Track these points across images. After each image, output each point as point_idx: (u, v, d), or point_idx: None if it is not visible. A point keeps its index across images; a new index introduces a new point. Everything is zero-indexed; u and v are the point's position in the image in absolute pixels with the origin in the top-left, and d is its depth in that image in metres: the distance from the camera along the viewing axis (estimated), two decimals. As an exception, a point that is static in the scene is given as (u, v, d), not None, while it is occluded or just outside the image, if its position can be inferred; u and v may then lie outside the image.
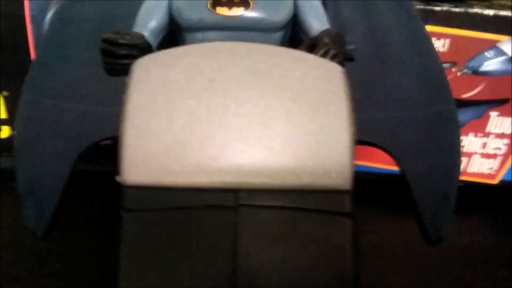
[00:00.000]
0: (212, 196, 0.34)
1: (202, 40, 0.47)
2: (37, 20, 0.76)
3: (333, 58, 0.41)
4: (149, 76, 0.37)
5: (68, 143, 0.50)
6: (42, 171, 0.50)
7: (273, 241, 0.34)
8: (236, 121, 0.35)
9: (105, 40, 0.41)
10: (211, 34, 0.47)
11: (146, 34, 0.46)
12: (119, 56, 0.40)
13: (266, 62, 0.37)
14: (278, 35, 0.49)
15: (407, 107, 0.54)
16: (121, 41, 0.40)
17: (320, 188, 0.35)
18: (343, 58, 0.44)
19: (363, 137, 0.51)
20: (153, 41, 0.47)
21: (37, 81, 0.52)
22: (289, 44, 0.50)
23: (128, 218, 0.35)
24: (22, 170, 0.50)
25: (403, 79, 0.54)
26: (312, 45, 0.43)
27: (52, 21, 0.54)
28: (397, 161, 0.52)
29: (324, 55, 0.41)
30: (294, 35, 0.51)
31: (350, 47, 0.50)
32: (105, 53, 0.41)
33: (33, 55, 0.78)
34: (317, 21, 0.49)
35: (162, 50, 0.39)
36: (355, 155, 0.37)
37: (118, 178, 0.36)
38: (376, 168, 0.82)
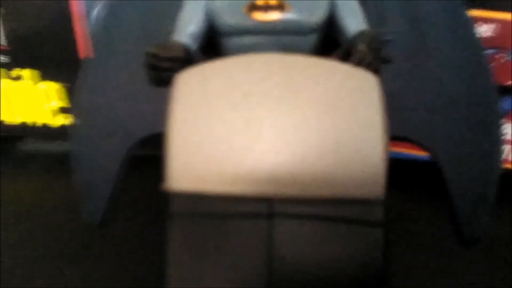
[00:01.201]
0: (248, 205, 0.37)
1: (238, 45, 0.48)
2: (85, 16, 0.80)
3: (368, 66, 0.41)
4: (190, 90, 0.39)
5: (118, 139, 0.54)
6: (96, 166, 0.55)
7: (306, 248, 0.36)
8: (271, 133, 0.37)
9: (149, 54, 0.43)
10: (246, 38, 0.48)
11: (186, 39, 0.48)
12: (163, 69, 0.42)
13: (300, 74, 0.38)
14: (314, 36, 0.49)
15: (446, 102, 0.53)
16: (163, 55, 0.42)
17: (352, 199, 0.37)
18: (380, 63, 0.44)
19: (400, 132, 0.52)
20: (193, 45, 0.48)
21: (89, 79, 0.56)
22: (325, 45, 0.50)
23: (172, 223, 0.38)
24: (78, 167, 0.55)
25: (443, 72, 0.53)
26: (347, 53, 0.43)
27: (102, 18, 0.57)
28: (434, 157, 0.51)
29: (359, 64, 0.41)
30: (330, 35, 0.51)
31: (388, 37, 0.50)
32: (149, 66, 0.43)
33: (81, 50, 0.82)
34: (353, 21, 0.48)
35: (201, 64, 0.41)
36: (387, 165, 0.38)
37: (164, 186, 0.39)
38: (410, 154, 0.81)
